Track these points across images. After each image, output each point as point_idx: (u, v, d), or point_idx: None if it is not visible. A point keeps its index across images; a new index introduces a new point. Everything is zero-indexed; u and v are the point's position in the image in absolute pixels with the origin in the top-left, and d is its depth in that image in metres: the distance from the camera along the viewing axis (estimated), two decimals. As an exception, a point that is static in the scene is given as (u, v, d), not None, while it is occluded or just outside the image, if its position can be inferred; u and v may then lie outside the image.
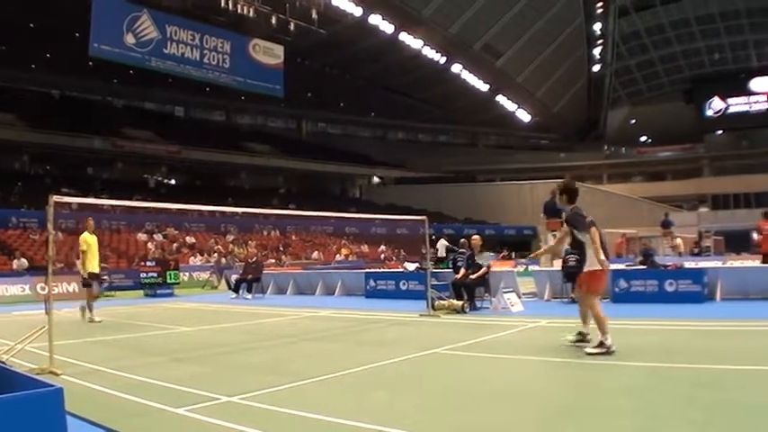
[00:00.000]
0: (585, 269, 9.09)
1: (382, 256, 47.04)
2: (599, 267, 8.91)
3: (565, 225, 9.64)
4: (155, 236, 40.04)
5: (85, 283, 15.90)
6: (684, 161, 74.80)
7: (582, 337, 9.29)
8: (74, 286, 24.96)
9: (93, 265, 15.66)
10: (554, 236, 21.39)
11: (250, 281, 23.68)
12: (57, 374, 7.99)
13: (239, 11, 44.54)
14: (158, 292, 25.57)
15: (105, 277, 27.02)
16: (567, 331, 9.64)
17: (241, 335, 13.03)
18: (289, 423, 5.65)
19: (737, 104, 73.53)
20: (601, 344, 8.63)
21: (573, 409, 5.97)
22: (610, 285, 16.65)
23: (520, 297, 16.28)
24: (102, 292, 16.12)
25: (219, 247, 40.18)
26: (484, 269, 15.94)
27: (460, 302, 15.29)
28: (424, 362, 8.91)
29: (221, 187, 58.37)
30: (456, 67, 60.83)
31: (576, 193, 9.43)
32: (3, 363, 5.65)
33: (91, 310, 15.36)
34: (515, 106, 72.27)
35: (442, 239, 30.01)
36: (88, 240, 15.64)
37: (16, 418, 3.73)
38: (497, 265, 24.30)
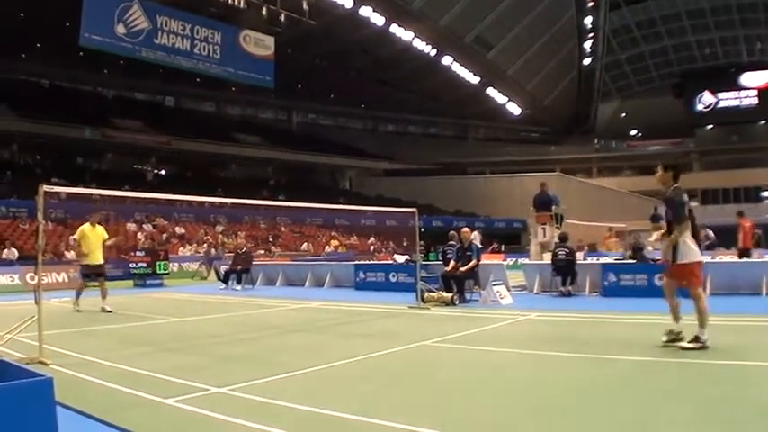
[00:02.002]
0: (680, 261, 8.59)
1: (372, 248, 47.06)
2: (696, 259, 8.59)
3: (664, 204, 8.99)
4: (144, 226, 39.93)
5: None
6: (674, 155, 74.83)
7: (675, 336, 8.53)
8: (63, 276, 24.92)
9: (88, 258, 15.59)
10: (543, 229, 21.55)
11: (239, 272, 23.68)
12: (46, 364, 7.98)
13: (230, 2, 44.45)
14: (148, 282, 25.56)
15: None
16: (556, 324, 9.63)
17: (230, 326, 13.03)
18: (278, 414, 5.66)
19: (728, 99, 73.73)
20: (697, 338, 8.24)
21: (561, 402, 5.99)
22: (599, 279, 16.77)
23: (509, 290, 16.33)
24: (86, 284, 16.07)
25: (209, 237, 40.13)
26: (473, 262, 15.96)
27: (450, 295, 15.33)
28: (412, 354, 8.95)
29: (211, 178, 58.07)
30: (446, 60, 60.75)
31: (680, 172, 8.99)
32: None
33: (77, 297, 15.54)
34: (506, 99, 72.20)
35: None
36: (84, 232, 15.63)
37: (5, 408, 3.73)
38: (487, 258, 24.38)
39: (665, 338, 8.57)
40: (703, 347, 8.08)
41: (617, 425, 5.17)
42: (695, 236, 8.79)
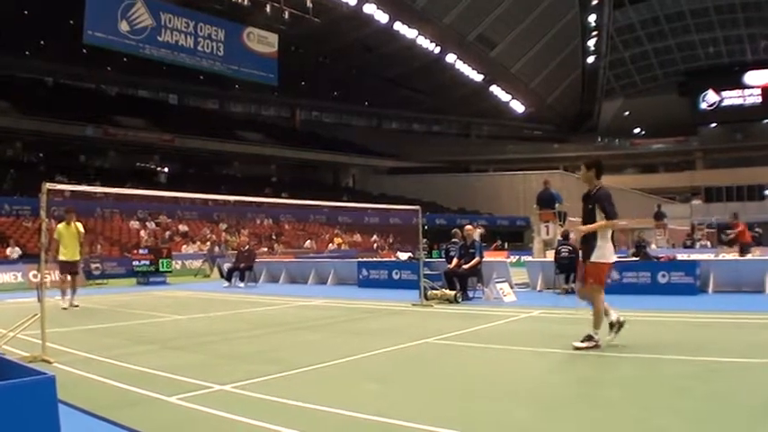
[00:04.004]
0: (595, 259, 8.46)
1: (375, 245, 47.03)
2: (610, 260, 8.55)
3: (588, 203, 8.74)
4: (147, 224, 39.93)
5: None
6: (678, 153, 74.95)
7: (618, 326, 8.49)
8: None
9: (63, 254, 16.15)
10: (546, 226, 21.55)
11: (242, 269, 23.68)
12: (49, 362, 7.97)
13: (234, -1, 44.56)
14: (151, 280, 25.48)
15: (98, 265, 27.16)
16: (559, 322, 9.60)
17: (233, 323, 13.02)
18: (281, 412, 5.66)
19: (731, 98, 73.76)
20: (590, 337, 8.34)
21: (563, 399, 5.99)
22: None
23: (512, 287, 16.33)
24: (87, 281, 16.56)
25: (213, 235, 40.12)
26: (477, 259, 15.96)
27: (453, 292, 15.32)
28: (416, 351, 8.94)
29: (214, 175, 58.10)
30: (450, 58, 60.82)
31: (603, 170, 8.85)
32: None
33: (62, 295, 16.16)
34: (509, 97, 72.25)
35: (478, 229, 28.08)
36: (59, 230, 16.35)
37: (8, 406, 3.72)
38: (490, 256, 24.34)
39: (609, 337, 8.47)
40: (596, 346, 8.24)
41: (622, 422, 5.17)
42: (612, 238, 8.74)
